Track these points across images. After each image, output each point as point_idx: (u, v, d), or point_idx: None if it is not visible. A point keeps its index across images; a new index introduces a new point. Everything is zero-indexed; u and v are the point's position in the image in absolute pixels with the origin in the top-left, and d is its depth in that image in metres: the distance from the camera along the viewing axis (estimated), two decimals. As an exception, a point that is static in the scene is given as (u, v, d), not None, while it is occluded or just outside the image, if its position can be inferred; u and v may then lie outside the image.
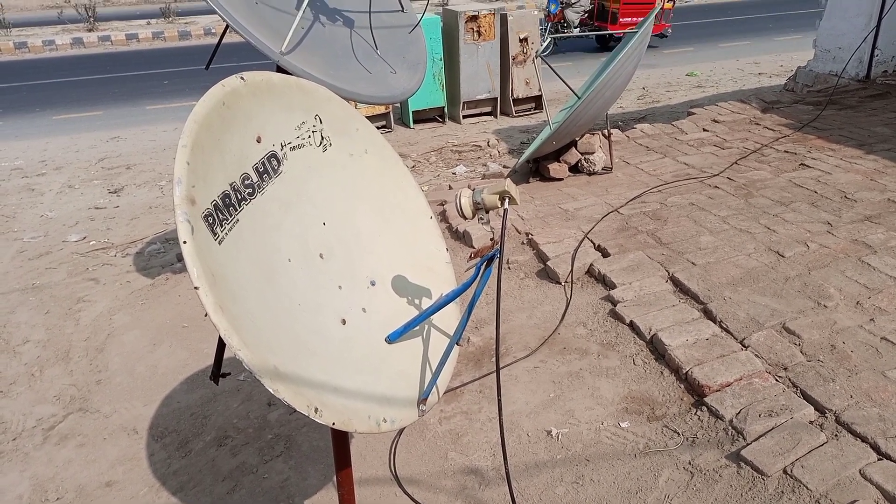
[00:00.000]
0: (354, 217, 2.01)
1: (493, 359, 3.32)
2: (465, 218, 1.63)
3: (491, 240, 1.61)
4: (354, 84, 3.72)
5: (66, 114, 10.51)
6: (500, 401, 1.66)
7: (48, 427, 3.34)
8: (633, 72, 4.68)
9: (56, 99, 11.52)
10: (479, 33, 8.86)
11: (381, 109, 8.59)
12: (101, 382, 3.68)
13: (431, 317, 2.03)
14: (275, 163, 1.79)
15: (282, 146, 1.82)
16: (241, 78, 1.71)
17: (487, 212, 1.63)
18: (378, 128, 8.67)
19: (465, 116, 9.23)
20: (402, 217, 2.13)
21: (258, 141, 1.74)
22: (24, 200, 7.04)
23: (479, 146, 8.19)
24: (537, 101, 9.55)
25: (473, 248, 4.22)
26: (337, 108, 2.01)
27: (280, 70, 3.62)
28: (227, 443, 3.06)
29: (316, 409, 1.50)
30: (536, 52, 4.50)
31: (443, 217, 4.75)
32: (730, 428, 2.63)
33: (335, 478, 2.11)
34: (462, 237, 4.38)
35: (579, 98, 4.51)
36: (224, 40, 4.08)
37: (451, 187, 5.39)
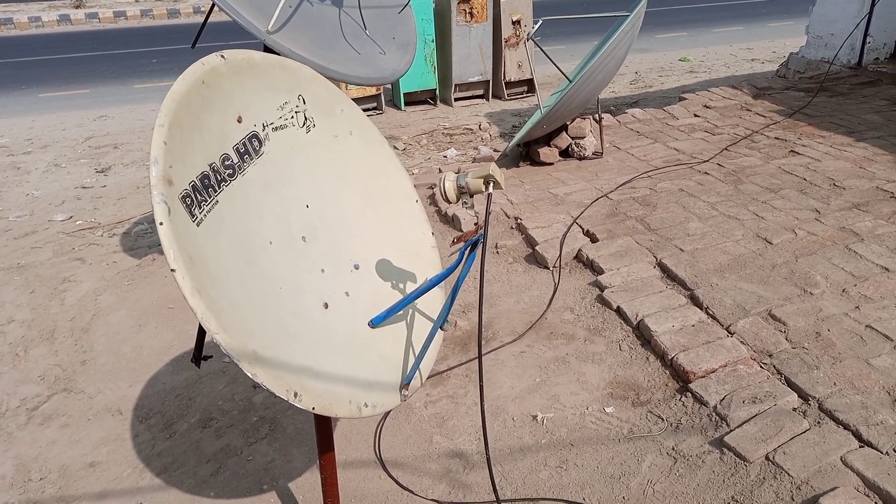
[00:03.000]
0: (339, 200, 1.98)
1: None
2: (449, 202, 1.61)
3: (475, 224, 1.59)
4: (343, 65, 3.68)
5: (52, 91, 10.37)
6: (481, 385, 1.65)
7: (32, 407, 3.31)
8: (624, 56, 4.65)
9: (42, 76, 11.36)
10: (472, 15, 8.76)
11: (372, 91, 8.51)
12: (85, 363, 3.65)
13: (416, 301, 2.02)
14: (256, 143, 1.76)
15: (263, 126, 1.79)
16: (222, 56, 1.68)
17: (472, 196, 1.60)
18: (369, 109, 8.52)
19: (456, 99, 9.15)
20: (388, 200, 2.11)
21: (239, 121, 1.71)
22: (9, 179, 6.95)
23: (471, 129, 8.14)
24: (530, 85, 9.48)
25: (462, 231, 4.21)
26: (321, 88, 1.98)
27: (267, 50, 3.57)
28: (212, 425, 3.05)
29: (295, 394, 1.49)
30: (528, 35, 4.46)
31: (432, 200, 4.72)
32: (714, 414, 2.64)
33: (318, 461, 2.11)
34: (451, 221, 4.36)
35: (570, 82, 4.47)
36: (213, 19, 4.02)
37: (440, 170, 5.36)
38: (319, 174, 1.94)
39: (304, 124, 1.92)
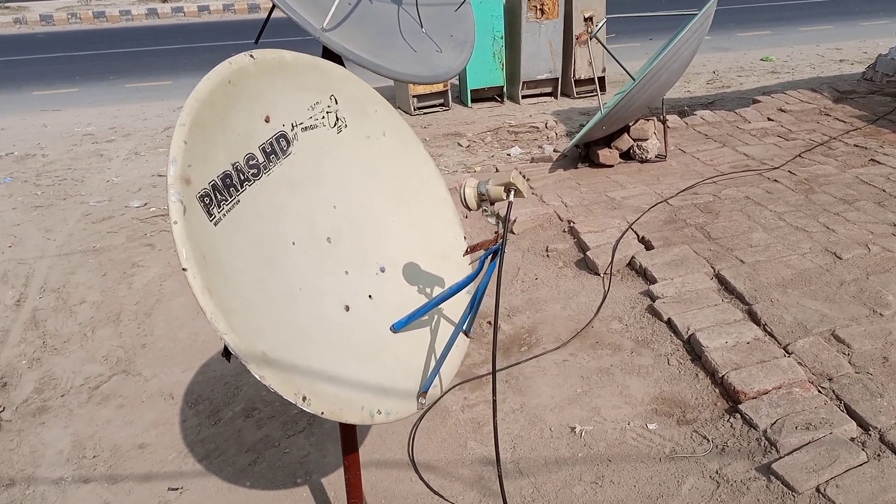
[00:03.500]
0: (368, 201, 1.97)
1: (523, 348, 3.25)
2: (469, 209, 1.57)
3: (495, 233, 1.54)
4: (397, 63, 3.66)
5: (137, 82, 10.86)
6: (494, 401, 1.60)
7: (94, 386, 3.46)
8: (691, 56, 4.46)
9: (129, 67, 11.91)
10: (542, 11, 8.63)
11: (439, 87, 8.51)
12: (145, 346, 3.79)
13: (443, 308, 1.98)
14: (284, 143, 1.76)
15: (292, 126, 1.79)
16: (251, 56, 1.68)
17: (492, 204, 1.55)
18: (435, 106, 8.52)
19: (524, 96, 9.04)
20: (420, 203, 2.08)
21: (266, 121, 1.71)
22: (92, 165, 7.31)
23: (537, 127, 8.03)
24: (600, 83, 9.27)
25: (514, 233, 4.14)
26: (354, 88, 1.96)
27: (325, 49, 3.59)
28: (255, 415, 3.11)
29: (304, 398, 1.48)
30: (591, 33, 4.34)
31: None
32: (763, 438, 2.50)
33: (343, 461, 2.10)
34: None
35: (634, 81, 4.32)
36: (277, 15, 4.07)
37: (497, 170, 5.29)
38: (349, 175, 1.92)
39: (335, 124, 1.91)
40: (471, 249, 1.57)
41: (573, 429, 2.74)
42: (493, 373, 1.55)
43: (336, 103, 1.91)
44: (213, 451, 2.92)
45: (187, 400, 3.28)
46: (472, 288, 1.82)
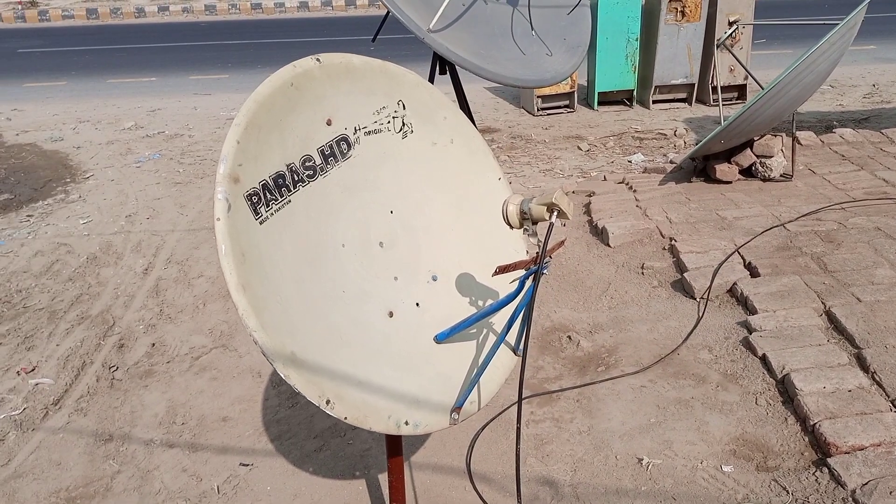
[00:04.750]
0: (427, 208, 1.96)
1: (600, 368, 3.12)
2: (512, 227, 1.51)
3: (537, 253, 1.48)
4: (502, 65, 3.63)
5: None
6: (518, 430, 1.54)
7: (195, 357, 3.71)
8: (830, 69, 4.07)
9: (278, 57, 12.62)
10: (683, 13, 8.23)
11: (565, 88, 8.33)
12: (246, 324, 4.01)
13: (492, 324, 1.94)
14: (345, 146, 1.79)
15: (355, 130, 1.81)
16: (317, 59, 1.72)
17: (534, 223, 1.49)
18: (560, 108, 8.35)
19: (655, 101, 8.67)
20: (483, 213, 2.04)
21: (328, 123, 1.75)
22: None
23: (665, 134, 7.68)
24: (741, 91, 8.72)
25: (609, 246, 3.98)
26: (425, 94, 1.96)
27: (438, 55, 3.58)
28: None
29: (328, 401, 1.50)
30: (719, 41, 4.07)
31: (586, 210, 4.52)
32: (850, 499, 2.25)
33: (387, 463, 2.12)
34: (600, 233, 4.14)
35: (764, 92, 4.01)
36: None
37: (605, 178, 5.11)
38: (410, 180, 1.93)
39: (400, 129, 1.92)
40: (501, 270, 1.52)
41: (640, 460, 2.60)
42: (519, 401, 1.50)
43: (404, 108, 1.92)
44: (286, 432, 3.04)
45: (272, 380, 3.44)
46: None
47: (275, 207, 1.58)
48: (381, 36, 4.38)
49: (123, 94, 10.18)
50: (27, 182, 6.71)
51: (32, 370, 3.54)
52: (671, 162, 5.29)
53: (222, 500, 2.64)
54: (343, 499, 2.62)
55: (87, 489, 2.73)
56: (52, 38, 15.62)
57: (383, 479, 2.71)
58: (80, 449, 2.96)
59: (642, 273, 3.74)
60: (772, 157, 4.51)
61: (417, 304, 1.85)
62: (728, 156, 4.63)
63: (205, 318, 4.10)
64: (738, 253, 3.65)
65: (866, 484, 2.26)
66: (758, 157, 4.55)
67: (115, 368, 3.58)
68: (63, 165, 7.19)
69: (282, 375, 1.46)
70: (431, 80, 3.73)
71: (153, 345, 3.80)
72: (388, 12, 4.04)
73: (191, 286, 4.55)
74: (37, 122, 8.82)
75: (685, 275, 3.54)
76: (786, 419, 2.67)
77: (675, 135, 7.63)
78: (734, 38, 8.45)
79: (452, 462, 2.74)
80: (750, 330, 3.10)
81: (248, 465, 2.85)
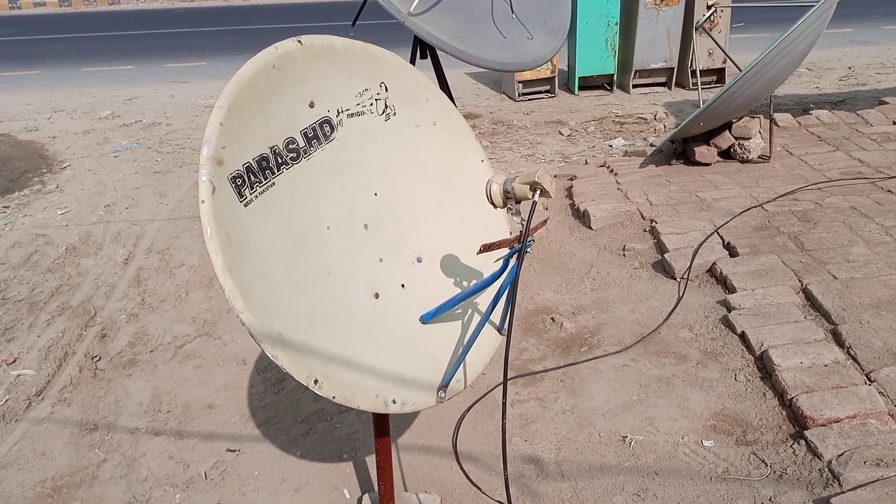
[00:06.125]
0: (412, 190, 1.97)
1: (583, 348, 3.17)
2: (495, 206, 1.53)
3: (521, 231, 1.50)
4: (483, 49, 3.63)
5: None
6: (504, 407, 1.57)
7: (179, 345, 3.70)
8: (806, 51, 4.12)
9: (256, 43, 12.47)
10: (662, -2, 8.26)
11: (545, 73, 8.34)
12: (230, 311, 3.99)
13: (478, 303, 1.97)
14: (327, 129, 1.79)
15: (338, 112, 1.81)
16: (299, 41, 1.72)
17: (517, 202, 1.51)
18: (541, 93, 8.37)
19: (635, 86, 8.72)
20: (467, 194, 2.06)
21: (311, 106, 1.75)
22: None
23: (645, 118, 7.74)
24: (720, 74, 8.79)
25: (591, 228, 4.02)
26: (407, 76, 1.96)
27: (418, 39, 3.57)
28: (315, 387, 3.21)
29: (316, 381, 1.52)
30: (698, 24, 4.10)
31: (567, 193, 4.55)
32: (826, 469, 2.31)
33: (374, 444, 2.14)
34: (582, 216, 4.18)
35: (742, 74, 4.05)
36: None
37: (586, 162, 5.14)
38: (394, 163, 1.93)
39: (383, 112, 1.92)
40: (485, 248, 1.54)
41: (623, 437, 2.65)
42: (505, 379, 1.52)
43: (386, 91, 1.92)
44: (272, 417, 3.05)
45: (258, 366, 3.44)
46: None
47: (259, 190, 1.59)
48: (361, 21, 4.35)
49: (99, 83, 10.03)
50: (2, 173, 6.61)
51: (13, 362, 3.51)
52: (651, 145, 5.33)
53: (210, 486, 2.65)
54: (331, 481, 2.64)
55: (73, 478, 2.73)
56: (24, 27, 15.34)
57: (370, 460, 2.74)
58: (65, 439, 2.95)
59: (624, 255, 3.78)
60: (750, 139, 4.56)
61: (403, 286, 1.86)
62: (707, 138, 4.68)
63: (187, 307, 4.08)
64: (718, 233, 3.70)
65: (842, 455, 2.33)
66: (736, 139, 4.60)
67: (97, 358, 3.56)
68: (39, 156, 7.08)
69: (270, 356, 1.47)
70: (412, 64, 3.72)
71: (136, 334, 3.78)
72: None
73: (172, 275, 4.52)
74: (10, 112, 8.68)
75: (665, 255, 3.59)
76: (764, 394, 2.73)
77: (654, 119, 7.69)
78: (713, 21, 8.50)
79: (439, 443, 2.77)
80: (729, 308, 3.16)
81: (234, 450, 2.86)
